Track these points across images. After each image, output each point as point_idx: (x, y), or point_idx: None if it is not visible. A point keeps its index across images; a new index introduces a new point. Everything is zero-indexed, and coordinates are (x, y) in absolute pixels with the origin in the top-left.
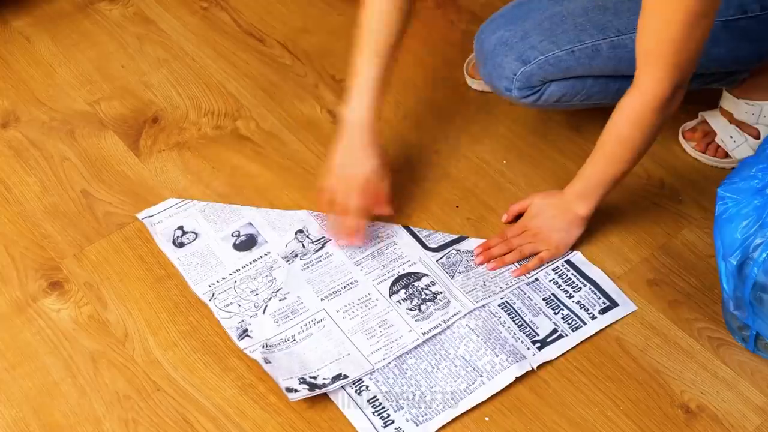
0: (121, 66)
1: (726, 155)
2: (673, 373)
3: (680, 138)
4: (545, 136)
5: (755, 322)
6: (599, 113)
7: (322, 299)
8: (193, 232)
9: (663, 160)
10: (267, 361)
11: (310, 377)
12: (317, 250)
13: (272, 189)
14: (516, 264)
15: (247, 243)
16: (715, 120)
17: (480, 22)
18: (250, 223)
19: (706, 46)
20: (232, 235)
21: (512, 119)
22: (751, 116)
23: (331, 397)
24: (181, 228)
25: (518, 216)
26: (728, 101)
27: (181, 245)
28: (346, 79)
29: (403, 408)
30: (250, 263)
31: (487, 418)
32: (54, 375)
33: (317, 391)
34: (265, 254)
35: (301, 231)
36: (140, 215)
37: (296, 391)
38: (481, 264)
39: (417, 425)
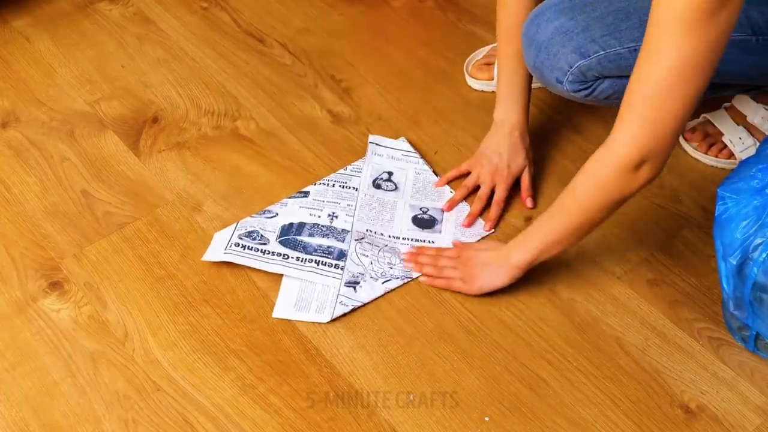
0: (121, 66)
1: (731, 156)
2: (673, 373)
3: (680, 139)
4: (545, 136)
5: (755, 322)
6: (601, 115)
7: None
8: (395, 183)
9: None
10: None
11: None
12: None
13: (272, 189)
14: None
15: (426, 222)
16: (721, 121)
17: (480, 22)
18: (443, 210)
19: (738, 62)
20: (421, 209)
21: None
22: (766, 122)
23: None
24: (390, 174)
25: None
26: (744, 103)
27: (378, 186)
28: (344, 80)
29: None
30: (411, 239)
31: (487, 418)
32: (54, 375)
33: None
34: (430, 242)
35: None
36: (372, 138)
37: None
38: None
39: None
